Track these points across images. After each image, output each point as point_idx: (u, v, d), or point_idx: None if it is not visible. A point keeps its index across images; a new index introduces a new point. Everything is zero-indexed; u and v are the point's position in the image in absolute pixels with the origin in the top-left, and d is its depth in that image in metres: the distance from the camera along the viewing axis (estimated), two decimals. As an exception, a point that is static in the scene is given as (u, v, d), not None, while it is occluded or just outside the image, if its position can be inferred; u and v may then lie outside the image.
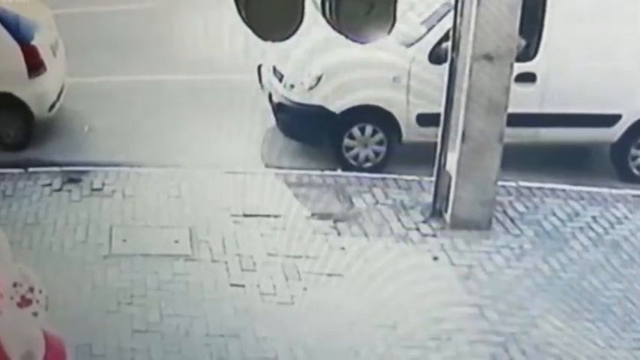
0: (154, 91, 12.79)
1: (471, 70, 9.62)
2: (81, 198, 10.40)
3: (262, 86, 12.30)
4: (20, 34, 11.47)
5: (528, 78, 11.25)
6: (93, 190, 10.55)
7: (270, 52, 11.78)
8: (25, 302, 4.27)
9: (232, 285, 9.01)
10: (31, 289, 4.31)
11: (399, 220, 10.29)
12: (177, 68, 13.08)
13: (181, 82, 12.98)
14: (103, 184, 10.64)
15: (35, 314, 4.32)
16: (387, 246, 9.80)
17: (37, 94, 11.60)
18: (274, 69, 11.92)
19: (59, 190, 10.53)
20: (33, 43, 11.54)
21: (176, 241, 9.64)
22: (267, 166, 11.58)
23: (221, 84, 12.43)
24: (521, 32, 9.88)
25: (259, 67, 12.36)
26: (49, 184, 10.60)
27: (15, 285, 4.26)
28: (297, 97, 11.62)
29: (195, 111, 12.19)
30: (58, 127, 12.06)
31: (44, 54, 11.64)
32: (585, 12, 11.19)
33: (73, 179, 10.69)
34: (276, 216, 10.17)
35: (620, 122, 11.61)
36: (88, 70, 12.78)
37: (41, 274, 4.50)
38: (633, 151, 11.81)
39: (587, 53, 11.28)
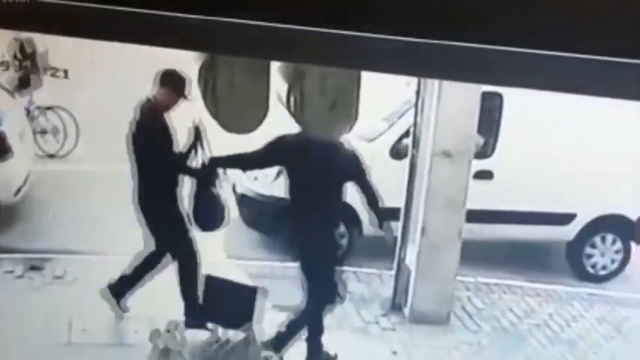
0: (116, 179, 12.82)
1: (430, 166, 9.82)
2: (42, 285, 10.40)
3: (227, 177, 12.38)
4: (-13, 122, 11.59)
5: (485, 175, 11.47)
6: (55, 277, 10.55)
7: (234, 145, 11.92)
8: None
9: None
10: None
11: (359, 313, 10.35)
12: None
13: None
14: (65, 272, 10.65)
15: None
16: (346, 339, 9.84)
17: (3, 178, 11.66)
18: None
19: (21, 277, 10.52)
20: (1, 129, 11.66)
21: (136, 331, 9.64)
22: (229, 257, 11.62)
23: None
24: (480, 130, 10.12)
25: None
26: (11, 271, 10.59)
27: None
28: (261, 188, 11.74)
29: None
30: (22, 213, 12.07)
31: (11, 139, 11.76)
32: (541, 113, 11.43)
33: (35, 267, 10.69)
34: (236, 307, 10.18)
35: (575, 221, 11.80)
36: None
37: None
38: (588, 250, 11.96)
39: (543, 153, 11.50)
